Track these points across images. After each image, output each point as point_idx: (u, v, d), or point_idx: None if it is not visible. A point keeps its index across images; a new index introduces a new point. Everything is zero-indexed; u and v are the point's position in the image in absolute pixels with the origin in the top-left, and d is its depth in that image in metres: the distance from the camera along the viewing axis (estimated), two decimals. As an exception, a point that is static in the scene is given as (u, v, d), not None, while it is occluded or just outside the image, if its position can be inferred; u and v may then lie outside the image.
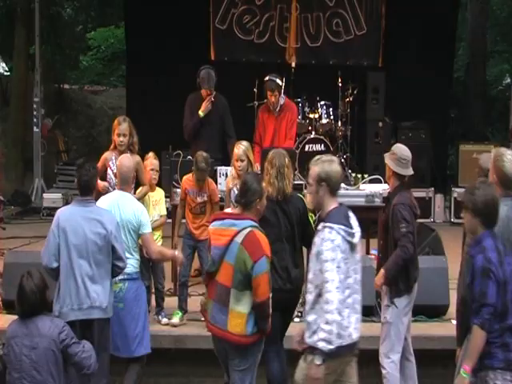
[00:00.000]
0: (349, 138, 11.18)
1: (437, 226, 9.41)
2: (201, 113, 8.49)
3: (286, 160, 5.90)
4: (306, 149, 10.28)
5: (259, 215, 5.18)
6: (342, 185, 8.55)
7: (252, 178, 5.24)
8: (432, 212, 11.59)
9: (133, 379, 5.80)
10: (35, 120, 12.65)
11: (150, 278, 6.99)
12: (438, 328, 6.84)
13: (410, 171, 6.00)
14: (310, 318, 4.63)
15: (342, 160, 10.73)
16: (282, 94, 8.89)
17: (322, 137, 10.50)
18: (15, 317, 6.25)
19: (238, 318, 4.99)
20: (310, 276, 4.65)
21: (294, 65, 11.03)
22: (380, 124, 11.70)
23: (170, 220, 7.60)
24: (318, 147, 10.39)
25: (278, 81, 8.70)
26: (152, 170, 7.19)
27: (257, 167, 8.31)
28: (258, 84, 9.77)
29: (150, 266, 6.96)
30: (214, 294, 5.07)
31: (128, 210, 5.85)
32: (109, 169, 6.92)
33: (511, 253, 4.57)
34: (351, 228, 4.59)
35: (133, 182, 6.25)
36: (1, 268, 7.31)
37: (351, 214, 4.71)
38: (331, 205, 4.65)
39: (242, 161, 7.07)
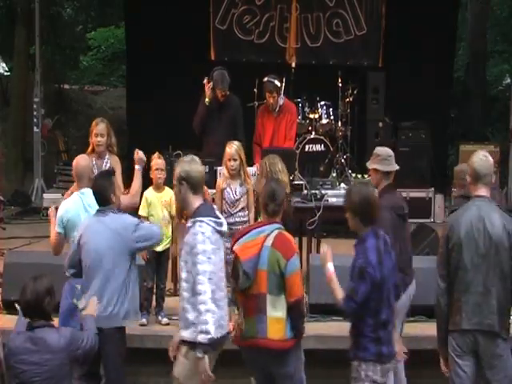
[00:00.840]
0: (349, 138, 11.18)
1: (437, 226, 9.41)
2: (207, 100, 8.51)
3: (280, 165, 5.97)
4: (306, 149, 10.29)
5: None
6: (342, 185, 8.59)
7: (278, 186, 5.24)
8: (432, 212, 11.58)
9: None
10: (35, 120, 12.65)
11: (154, 278, 7.00)
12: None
13: (396, 166, 6.03)
14: (188, 314, 4.73)
15: (342, 160, 10.75)
16: (282, 95, 8.89)
17: (322, 137, 10.51)
18: (15, 317, 6.25)
19: (277, 323, 4.96)
20: (184, 275, 4.77)
21: (294, 65, 11.04)
22: (380, 124, 11.71)
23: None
24: (318, 147, 10.40)
25: (277, 82, 8.70)
26: (157, 169, 7.18)
27: (256, 167, 8.32)
28: (258, 84, 9.78)
29: (155, 266, 6.99)
30: (253, 309, 4.99)
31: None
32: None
33: (390, 251, 4.84)
34: (218, 218, 4.83)
35: (89, 181, 5.99)
36: (1, 268, 7.31)
37: (215, 207, 5.06)
38: (196, 202, 4.82)
39: (234, 160, 7.07)
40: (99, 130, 7.00)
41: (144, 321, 6.85)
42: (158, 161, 7.21)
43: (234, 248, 5.02)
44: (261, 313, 4.95)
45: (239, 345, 5.13)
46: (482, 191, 5.11)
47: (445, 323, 5.12)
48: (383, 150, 6.08)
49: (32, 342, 4.55)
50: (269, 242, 4.97)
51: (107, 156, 6.96)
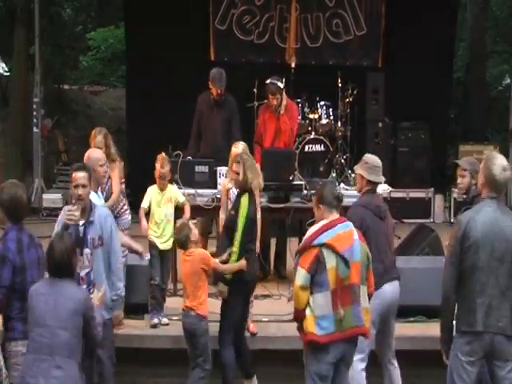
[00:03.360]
0: (348, 138, 11.17)
1: (436, 226, 9.42)
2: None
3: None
4: (306, 149, 10.26)
5: None
6: (342, 185, 8.58)
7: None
8: (432, 212, 11.59)
9: None
10: (35, 120, 12.65)
11: (162, 275, 7.03)
12: (437, 328, 6.81)
13: (382, 178, 6.17)
14: None
15: (342, 160, 10.74)
16: (284, 95, 8.89)
17: (321, 137, 10.48)
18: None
19: (366, 314, 5.29)
20: None
21: (293, 65, 11.01)
22: (380, 124, 11.72)
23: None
24: (318, 147, 10.37)
25: (280, 84, 8.70)
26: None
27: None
28: (258, 84, 9.77)
29: (161, 262, 7.04)
30: (350, 299, 5.20)
31: None
32: None
33: (35, 245, 5.25)
34: None
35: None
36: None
37: None
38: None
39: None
40: (97, 143, 7.07)
41: (156, 321, 6.84)
42: (161, 170, 7.18)
43: (329, 239, 5.13)
44: (356, 302, 5.21)
45: (335, 339, 5.18)
46: (495, 193, 5.09)
47: (451, 322, 5.10)
48: (372, 159, 6.17)
49: (51, 287, 4.83)
50: (356, 235, 5.26)
51: (106, 165, 6.96)
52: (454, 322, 5.17)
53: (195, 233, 6.25)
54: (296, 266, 5.22)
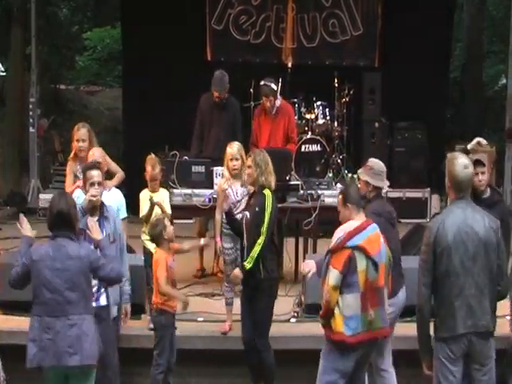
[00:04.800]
0: (345, 138, 11.19)
1: (433, 226, 9.40)
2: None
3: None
4: (303, 149, 10.28)
5: None
6: (339, 185, 8.58)
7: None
8: (428, 212, 11.59)
9: None
10: (31, 120, 12.63)
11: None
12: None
13: (387, 183, 6.21)
14: None
15: (339, 160, 10.75)
16: (278, 96, 8.88)
17: (318, 137, 10.50)
18: (12, 317, 6.25)
19: (387, 314, 5.45)
20: None
21: (290, 65, 11.03)
22: (376, 124, 11.72)
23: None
24: (315, 147, 10.38)
25: (273, 86, 8.68)
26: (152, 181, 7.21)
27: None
28: (255, 84, 9.78)
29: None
30: (377, 300, 5.29)
31: None
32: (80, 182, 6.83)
33: None
34: None
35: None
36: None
37: None
38: None
39: (236, 160, 7.06)
40: (80, 135, 7.09)
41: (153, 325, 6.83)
42: (153, 173, 7.17)
43: (359, 242, 5.17)
44: (381, 304, 5.33)
45: (363, 339, 5.24)
46: (461, 193, 5.08)
47: (427, 329, 5.11)
48: (377, 164, 6.18)
49: (54, 250, 4.99)
50: (382, 239, 5.33)
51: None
52: (432, 332, 5.16)
53: (170, 230, 6.28)
54: (327, 265, 5.21)
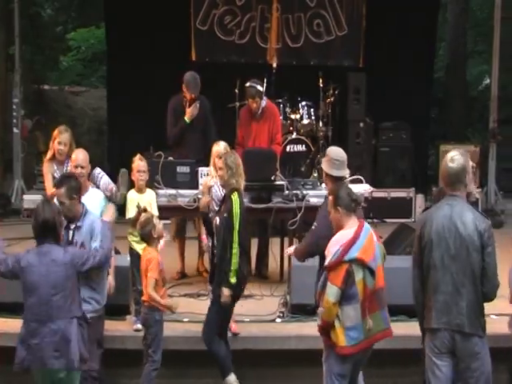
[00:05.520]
0: (330, 138, 11.19)
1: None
2: (186, 119, 8.51)
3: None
4: (288, 149, 10.29)
5: None
6: (323, 185, 8.60)
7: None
8: (413, 212, 11.63)
9: None
10: (15, 121, 12.55)
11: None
12: (419, 328, 6.85)
13: (342, 172, 5.95)
14: None
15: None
16: (264, 97, 8.88)
17: (303, 137, 10.52)
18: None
19: (388, 313, 5.37)
20: None
21: (275, 65, 11.03)
22: (361, 124, 11.74)
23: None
24: (300, 148, 10.40)
25: (259, 87, 8.68)
26: (139, 171, 7.17)
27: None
28: (240, 85, 9.77)
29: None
30: (378, 303, 5.23)
31: None
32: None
33: None
34: None
35: None
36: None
37: None
38: None
39: None
40: (62, 138, 7.09)
41: (139, 326, 6.78)
42: (139, 163, 7.19)
43: (356, 255, 5.09)
44: (383, 306, 5.27)
45: (364, 347, 5.22)
46: (456, 191, 5.10)
47: (422, 320, 5.20)
48: (333, 152, 6.03)
49: (40, 256, 5.13)
50: (375, 238, 5.27)
51: (66, 161, 7.04)
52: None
53: (159, 229, 6.32)
54: (325, 281, 5.13)
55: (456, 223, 4.97)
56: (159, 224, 6.38)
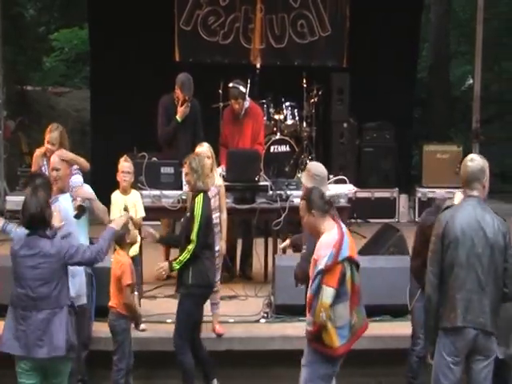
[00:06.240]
0: (314, 138, 11.21)
1: (401, 225, 9.49)
2: (178, 118, 8.51)
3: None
4: (272, 150, 10.31)
5: None
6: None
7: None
8: (396, 212, 11.67)
9: None
10: (-3, 122, 12.49)
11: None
12: (403, 328, 6.88)
13: (326, 188, 6.09)
14: None
15: (308, 161, 10.76)
16: (247, 97, 8.88)
17: (287, 138, 10.53)
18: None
19: None
20: None
21: (258, 66, 11.03)
22: (345, 125, 11.75)
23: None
24: (284, 148, 10.41)
25: (242, 88, 8.68)
26: (123, 172, 7.15)
27: (222, 169, 8.31)
28: (223, 85, 9.77)
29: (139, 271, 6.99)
30: (358, 298, 5.25)
31: None
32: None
33: None
34: None
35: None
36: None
37: None
38: None
39: (208, 158, 7.06)
40: (51, 138, 7.00)
41: (143, 326, 6.78)
42: (124, 164, 7.16)
43: (347, 253, 5.11)
44: (361, 301, 5.30)
45: (351, 346, 5.24)
46: (475, 192, 5.17)
47: (435, 320, 5.16)
48: (314, 168, 6.13)
49: (28, 248, 5.16)
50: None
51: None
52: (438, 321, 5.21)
53: (133, 235, 6.31)
54: (319, 285, 5.07)
55: (481, 224, 5.06)
56: (134, 230, 6.36)
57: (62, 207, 5.87)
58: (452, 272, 5.06)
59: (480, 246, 5.03)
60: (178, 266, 6.24)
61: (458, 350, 5.06)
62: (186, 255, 6.21)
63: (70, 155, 6.48)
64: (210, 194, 6.99)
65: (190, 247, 6.19)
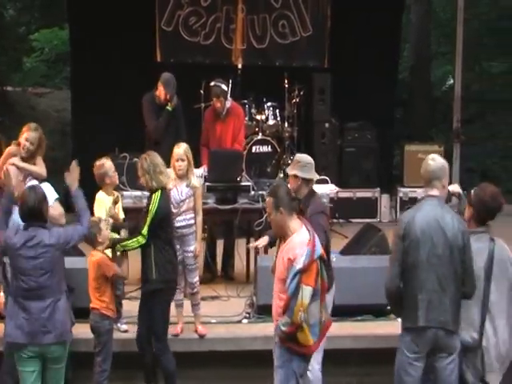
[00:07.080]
0: (296, 139, 11.22)
1: (383, 225, 9.51)
2: (169, 108, 8.47)
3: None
4: (253, 150, 10.31)
5: None
6: (289, 185, 8.61)
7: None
8: (378, 212, 11.69)
9: None
10: (-23, 123, 12.41)
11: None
12: (385, 327, 6.90)
13: (316, 175, 6.21)
14: None
15: (289, 161, 10.77)
16: (229, 97, 8.87)
17: (268, 138, 10.54)
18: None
19: None
20: None
21: (240, 66, 11.04)
22: (326, 125, 11.77)
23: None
24: (265, 148, 10.42)
25: (224, 86, 8.67)
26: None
27: (204, 169, 8.30)
28: (205, 86, 9.75)
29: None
30: (324, 295, 5.28)
31: None
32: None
33: None
34: None
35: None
36: None
37: None
38: None
39: (182, 160, 7.05)
40: (32, 137, 6.90)
41: (125, 327, 6.81)
42: (114, 178, 7.12)
43: (321, 251, 5.13)
44: (325, 297, 5.31)
45: (321, 342, 5.28)
46: (434, 191, 5.19)
47: (399, 311, 5.26)
48: (303, 157, 6.21)
49: (27, 240, 5.37)
50: None
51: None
52: (400, 320, 5.26)
53: (104, 234, 6.29)
54: (297, 285, 4.99)
55: (440, 222, 5.08)
56: (106, 230, 6.33)
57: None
58: (414, 272, 5.08)
59: (440, 245, 5.05)
60: (121, 249, 6.32)
61: (418, 347, 5.10)
62: (133, 244, 6.26)
63: (22, 164, 6.70)
64: (185, 194, 6.98)
65: (140, 239, 6.23)
